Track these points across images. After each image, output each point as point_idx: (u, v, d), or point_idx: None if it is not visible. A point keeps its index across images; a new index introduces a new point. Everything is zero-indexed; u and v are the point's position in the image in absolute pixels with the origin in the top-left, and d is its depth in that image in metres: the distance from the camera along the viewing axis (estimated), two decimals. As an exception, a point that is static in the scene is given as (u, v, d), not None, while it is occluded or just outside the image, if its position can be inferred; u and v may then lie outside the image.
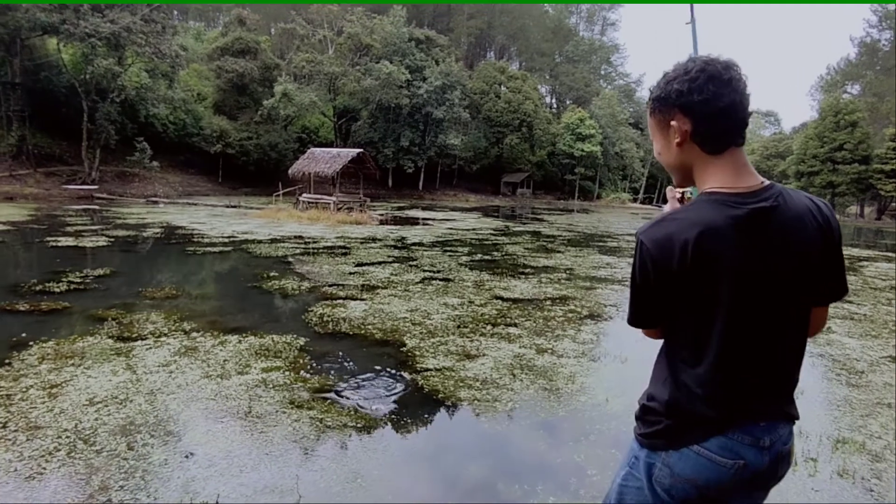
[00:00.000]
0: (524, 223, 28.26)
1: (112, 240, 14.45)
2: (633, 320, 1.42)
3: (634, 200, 67.07)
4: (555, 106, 79.12)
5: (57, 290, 8.27)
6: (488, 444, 4.05)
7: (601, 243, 19.67)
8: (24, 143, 31.07)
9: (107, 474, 3.35)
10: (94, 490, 3.18)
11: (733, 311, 1.27)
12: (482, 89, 58.08)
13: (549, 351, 6.21)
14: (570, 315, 8.01)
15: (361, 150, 28.26)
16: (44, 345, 5.69)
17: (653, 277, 1.29)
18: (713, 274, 1.24)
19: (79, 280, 9.00)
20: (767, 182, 1.33)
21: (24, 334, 6.01)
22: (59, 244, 13.22)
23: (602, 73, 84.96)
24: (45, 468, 3.39)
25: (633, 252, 1.34)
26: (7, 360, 5.20)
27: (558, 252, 15.91)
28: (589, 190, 65.40)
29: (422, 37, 51.08)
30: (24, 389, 4.56)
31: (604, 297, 9.56)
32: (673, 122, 1.31)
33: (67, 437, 3.79)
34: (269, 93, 41.06)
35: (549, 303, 8.77)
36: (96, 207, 25.74)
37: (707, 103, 1.26)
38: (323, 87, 45.94)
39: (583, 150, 58.63)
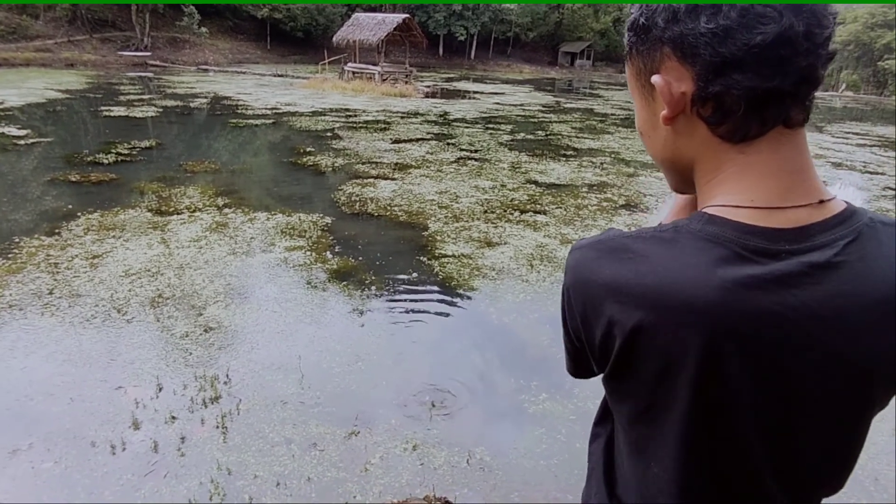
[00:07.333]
0: (578, 99, 26.62)
1: (161, 110, 14.68)
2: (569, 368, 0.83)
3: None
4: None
5: (106, 161, 8.62)
6: (492, 335, 4.16)
7: (658, 124, 18.36)
8: (77, 8, 30.97)
9: (133, 343, 3.68)
10: (121, 357, 3.52)
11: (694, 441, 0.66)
12: (546, -57, 52.13)
13: (575, 242, 6.10)
14: (604, 204, 7.74)
15: (407, 15, 26.53)
16: (90, 216, 6.05)
17: (574, 333, 0.73)
18: (668, 372, 0.63)
19: (126, 152, 9.32)
20: (843, 204, 0.64)
21: (70, 206, 6.39)
22: (112, 114, 13.58)
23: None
24: (82, 334, 3.75)
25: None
26: (57, 230, 5.60)
27: (607, 133, 15.06)
28: (657, 62, 60.08)
29: None
30: (70, 259, 4.94)
31: (645, 185, 9.12)
32: (657, 77, 0.64)
33: (104, 305, 4.14)
34: (313, -52, 38.50)
35: (585, 189, 8.47)
36: (150, 75, 25.93)
37: (727, 36, 0.57)
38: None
39: (654, 16, 52.81)
